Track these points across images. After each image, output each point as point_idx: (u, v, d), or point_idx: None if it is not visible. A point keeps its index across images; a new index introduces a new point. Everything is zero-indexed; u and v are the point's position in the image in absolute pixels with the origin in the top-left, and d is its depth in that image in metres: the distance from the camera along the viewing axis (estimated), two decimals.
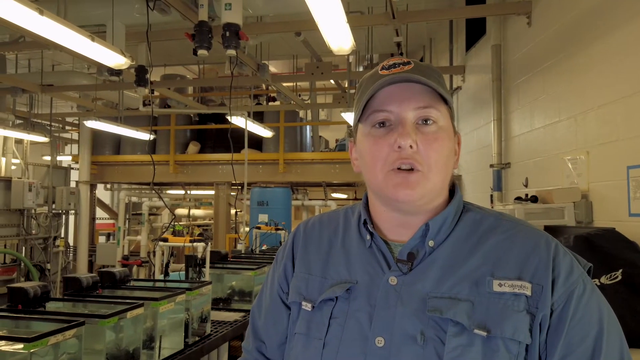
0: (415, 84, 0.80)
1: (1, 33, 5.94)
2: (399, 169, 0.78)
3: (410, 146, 0.77)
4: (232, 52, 3.40)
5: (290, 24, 4.56)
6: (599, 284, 2.11)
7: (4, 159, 8.59)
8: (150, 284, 2.61)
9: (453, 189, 0.87)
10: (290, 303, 0.90)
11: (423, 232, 0.81)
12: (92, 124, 6.39)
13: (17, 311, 1.75)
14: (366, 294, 0.80)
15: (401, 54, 5.07)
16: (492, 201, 4.34)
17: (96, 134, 8.66)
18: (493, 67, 4.48)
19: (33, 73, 7.59)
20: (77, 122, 10.07)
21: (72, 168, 9.50)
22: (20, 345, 1.40)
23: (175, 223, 3.51)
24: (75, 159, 9.18)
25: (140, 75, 4.67)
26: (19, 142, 8.60)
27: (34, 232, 7.90)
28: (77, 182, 8.77)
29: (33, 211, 7.85)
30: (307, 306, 0.85)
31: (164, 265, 3.30)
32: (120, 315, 1.77)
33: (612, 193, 2.73)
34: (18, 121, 8.48)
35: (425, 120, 0.80)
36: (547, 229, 2.84)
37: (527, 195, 3.35)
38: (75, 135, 11.22)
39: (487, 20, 4.83)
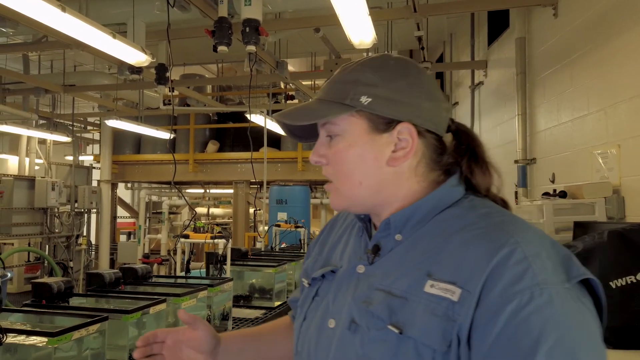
0: (310, 103, 0.85)
1: (24, 34, 6.04)
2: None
3: (321, 162, 0.87)
4: (251, 47, 3.37)
5: (310, 20, 4.52)
6: (635, 280, 2.03)
7: (27, 159, 8.76)
8: (171, 280, 2.60)
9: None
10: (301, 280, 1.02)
11: (386, 226, 0.82)
12: (113, 123, 6.46)
13: (41, 306, 1.74)
14: (343, 278, 0.85)
15: (422, 48, 4.99)
16: (516, 197, 4.24)
17: (117, 134, 8.77)
18: (517, 61, 4.37)
19: (55, 74, 7.71)
20: (98, 122, 10.21)
21: (94, 167, 9.64)
22: (45, 340, 1.39)
23: (196, 220, 3.51)
24: (97, 158, 9.31)
25: (161, 73, 4.69)
26: (42, 142, 8.77)
27: (57, 230, 8.03)
28: (98, 181, 8.89)
29: (56, 210, 7.98)
30: (305, 283, 0.95)
31: (185, 263, 3.29)
32: (143, 310, 1.76)
33: None
34: (41, 121, 8.62)
35: (331, 136, 0.85)
36: (577, 225, 2.75)
37: (555, 190, 3.25)
38: (96, 135, 11.39)
39: (511, 12, 4.71)
